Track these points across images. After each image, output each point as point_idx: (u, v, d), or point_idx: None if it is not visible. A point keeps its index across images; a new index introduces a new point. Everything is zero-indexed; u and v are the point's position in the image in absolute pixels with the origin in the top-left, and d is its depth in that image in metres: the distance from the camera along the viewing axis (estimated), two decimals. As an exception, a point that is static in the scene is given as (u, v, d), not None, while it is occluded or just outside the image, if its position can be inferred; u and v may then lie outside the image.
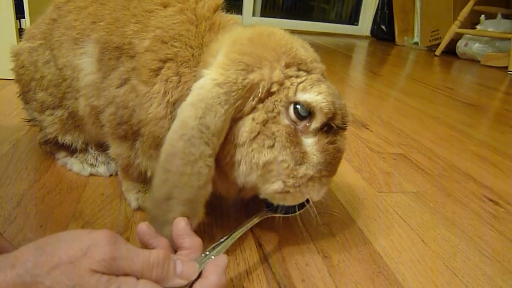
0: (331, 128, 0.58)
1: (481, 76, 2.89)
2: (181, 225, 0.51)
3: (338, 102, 0.58)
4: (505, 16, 3.40)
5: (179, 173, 0.52)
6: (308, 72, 0.59)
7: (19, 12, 1.47)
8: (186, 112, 0.53)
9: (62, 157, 0.90)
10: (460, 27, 3.45)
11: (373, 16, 4.62)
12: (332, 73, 2.37)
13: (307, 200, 0.67)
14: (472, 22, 3.51)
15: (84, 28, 0.72)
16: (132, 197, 0.76)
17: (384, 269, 0.66)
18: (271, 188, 0.59)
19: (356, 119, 1.49)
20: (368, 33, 4.80)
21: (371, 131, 1.36)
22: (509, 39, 3.04)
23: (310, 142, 0.58)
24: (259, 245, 0.69)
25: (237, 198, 0.71)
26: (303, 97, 0.56)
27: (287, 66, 0.57)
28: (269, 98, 0.56)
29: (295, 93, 0.56)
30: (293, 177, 0.57)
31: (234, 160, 0.58)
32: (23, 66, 0.83)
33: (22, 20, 1.51)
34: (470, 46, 3.49)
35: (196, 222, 0.56)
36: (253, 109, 0.56)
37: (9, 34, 1.46)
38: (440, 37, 3.75)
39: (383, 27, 4.45)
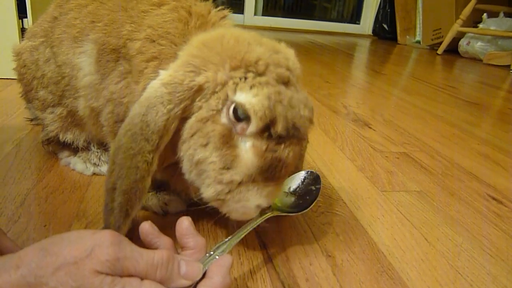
0: (272, 134, 0.54)
1: (483, 74, 2.88)
2: (185, 225, 0.51)
3: (285, 109, 0.54)
4: (508, 15, 3.39)
5: (121, 165, 0.54)
6: (259, 74, 0.55)
7: (21, 12, 1.48)
8: (134, 109, 0.55)
9: (65, 157, 0.90)
10: (462, 26, 3.44)
11: (375, 15, 4.61)
12: (334, 72, 2.37)
13: (314, 198, 0.67)
14: (474, 20, 3.50)
15: (84, 27, 0.73)
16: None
17: (388, 268, 0.66)
18: (206, 194, 0.57)
19: (358, 118, 1.48)
20: (370, 32, 4.79)
21: (373, 130, 1.36)
22: (511, 37, 3.03)
23: (246, 146, 0.54)
24: (262, 244, 0.69)
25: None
26: (240, 97, 0.53)
27: (233, 68, 0.55)
28: (213, 96, 0.56)
29: (234, 92, 0.54)
30: (219, 182, 0.55)
31: (180, 157, 0.59)
32: (24, 66, 0.83)
33: (25, 19, 1.52)
34: (472, 44, 3.48)
35: (133, 213, 0.56)
36: (199, 108, 0.57)
37: (11, 34, 1.46)
38: (442, 36, 3.74)
39: (385, 26, 4.44)
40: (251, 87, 0.54)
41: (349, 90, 1.97)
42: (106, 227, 0.57)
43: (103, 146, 0.88)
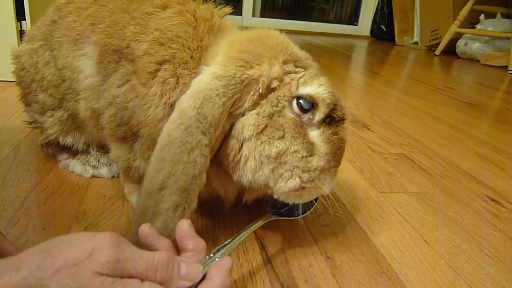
0: (333, 119, 0.60)
1: (481, 75, 2.89)
2: (184, 227, 0.51)
3: (338, 96, 0.61)
4: (505, 15, 3.40)
5: (175, 161, 0.53)
6: (305, 68, 0.61)
7: (20, 14, 1.48)
8: (185, 103, 0.54)
9: (64, 159, 0.90)
10: (459, 27, 3.45)
11: (372, 16, 4.63)
12: (332, 73, 2.37)
13: (312, 202, 0.67)
14: (471, 21, 3.52)
15: (84, 30, 0.73)
16: (135, 199, 0.76)
17: (387, 270, 0.66)
18: (287, 186, 0.59)
19: (357, 119, 1.49)
20: (367, 33, 4.81)
21: (372, 131, 1.36)
22: (508, 38, 3.04)
23: (315, 134, 0.59)
24: (262, 246, 0.69)
25: (236, 200, 0.71)
26: (305, 90, 0.58)
27: (285, 62, 0.59)
28: (272, 93, 0.58)
29: (297, 88, 0.58)
30: (307, 170, 0.58)
31: (240, 157, 0.58)
32: (23, 68, 0.83)
33: (23, 22, 1.52)
34: (470, 45, 3.49)
35: (189, 213, 0.55)
36: (256, 104, 0.58)
37: (10, 36, 1.46)
38: (440, 37, 3.75)
39: (382, 27, 4.45)
40: (311, 80, 0.59)
41: (347, 92, 1.98)
42: (134, 232, 0.54)
43: (102, 148, 0.88)
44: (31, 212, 0.73)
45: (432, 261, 0.70)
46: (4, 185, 0.80)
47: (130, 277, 0.42)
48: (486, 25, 3.35)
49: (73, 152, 0.88)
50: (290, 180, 0.58)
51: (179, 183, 0.53)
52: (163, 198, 0.54)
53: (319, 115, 0.59)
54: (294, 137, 0.57)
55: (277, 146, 0.57)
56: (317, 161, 0.58)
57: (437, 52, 3.66)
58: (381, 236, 0.75)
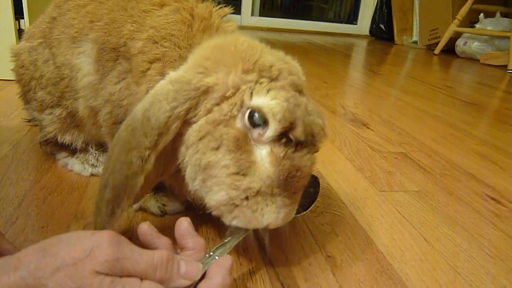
0: (290, 141, 0.52)
1: (480, 74, 2.89)
2: (184, 226, 0.51)
3: (303, 114, 0.53)
4: (504, 15, 3.40)
5: (115, 160, 0.53)
6: (273, 79, 0.54)
7: (18, 13, 1.47)
8: (138, 105, 0.54)
9: (62, 158, 0.89)
10: (459, 26, 3.45)
11: (371, 15, 4.62)
12: (332, 73, 2.37)
13: (313, 200, 0.67)
14: (471, 20, 3.52)
15: (83, 27, 0.72)
16: (133, 198, 0.76)
17: (387, 268, 0.66)
18: (214, 199, 0.54)
19: (356, 118, 1.48)
20: (367, 32, 4.81)
21: (372, 130, 1.36)
22: (508, 37, 3.04)
23: (263, 153, 0.52)
24: (262, 245, 0.69)
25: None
26: (257, 101, 0.52)
27: (245, 71, 0.54)
28: (225, 101, 0.54)
29: (250, 97, 0.53)
30: (235, 188, 0.52)
31: (184, 163, 0.56)
32: (23, 66, 0.83)
33: (21, 20, 1.51)
34: (469, 44, 3.49)
35: (119, 212, 0.53)
36: (209, 111, 0.54)
37: (8, 35, 1.45)
38: (439, 36, 3.75)
39: (382, 26, 4.45)
40: (268, 91, 0.52)
41: (347, 91, 1.98)
42: (94, 228, 0.55)
43: (101, 147, 0.88)
44: (30, 210, 0.72)
45: (432, 260, 0.69)
46: (2, 183, 0.80)
47: (130, 276, 0.42)
48: (486, 24, 3.35)
49: (72, 150, 0.88)
50: (217, 194, 0.53)
51: (114, 181, 0.53)
52: (105, 195, 0.53)
53: (269, 132, 0.51)
54: (229, 151, 0.52)
55: (208, 157, 0.53)
56: (249, 182, 0.51)
57: (437, 51, 3.66)
58: (381, 235, 0.75)
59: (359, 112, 1.57)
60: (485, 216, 0.86)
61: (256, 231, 0.58)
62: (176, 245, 0.52)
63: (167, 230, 0.68)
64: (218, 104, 0.54)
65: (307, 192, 0.72)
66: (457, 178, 1.04)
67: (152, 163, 0.53)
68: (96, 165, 0.87)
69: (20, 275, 0.38)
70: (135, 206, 0.75)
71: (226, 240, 0.55)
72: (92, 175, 0.87)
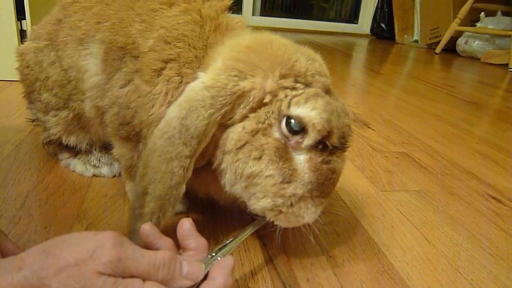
0: (326, 147, 0.55)
1: (481, 73, 2.88)
2: (186, 226, 0.51)
3: (337, 120, 0.55)
4: (505, 13, 3.40)
5: (155, 169, 0.53)
6: (307, 85, 0.55)
7: (20, 13, 1.47)
8: (172, 112, 0.54)
9: (65, 158, 0.90)
10: (460, 25, 3.44)
11: (372, 15, 4.62)
12: (333, 72, 2.35)
13: None
14: (472, 19, 3.51)
15: (89, 29, 0.72)
16: (136, 198, 0.76)
17: (389, 268, 0.66)
18: (259, 205, 0.56)
19: (357, 118, 1.49)
20: (368, 31, 4.80)
21: (373, 129, 1.36)
22: (509, 36, 3.04)
23: (302, 159, 0.55)
24: (263, 245, 0.69)
25: (235, 205, 0.71)
26: (296, 111, 0.53)
27: (282, 76, 0.54)
28: (262, 108, 0.54)
29: (288, 106, 0.54)
30: (281, 196, 0.55)
31: (221, 168, 0.57)
32: (28, 66, 0.83)
33: (23, 21, 1.51)
34: (470, 43, 3.48)
35: (164, 221, 0.55)
36: (245, 117, 0.55)
37: (10, 35, 1.45)
38: (440, 35, 3.75)
39: (383, 25, 4.45)
40: (306, 100, 0.53)
41: (348, 90, 1.98)
42: (130, 232, 0.56)
43: (105, 149, 0.88)
44: (32, 211, 0.73)
45: (433, 259, 0.70)
46: (5, 184, 0.80)
47: (132, 276, 0.42)
48: (487, 23, 3.34)
49: (75, 151, 0.88)
50: (262, 200, 0.56)
51: (157, 191, 0.53)
52: (145, 203, 0.54)
53: (308, 140, 0.53)
54: (272, 160, 0.53)
55: (250, 167, 0.54)
56: (293, 189, 0.54)
57: (438, 50, 3.66)
58: (383, 235, 0.75)
59: (360, 111, 1.57)
60: (486, 216, 0.86)
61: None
62: (178, 246, 0.52)
63: (169, 231, 0.68)
64: (254, 110, 0.55)
65: None
66: (458, 177, 1.04)
67: (191, 171, 0.54)
68: (98, 166, 0.88)
69: (24, 275, 0.38)
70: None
71: (228, 241, 0.55)
72: (94, 175, 0.87)
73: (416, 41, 4.20)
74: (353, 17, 5.01)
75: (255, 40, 0.59)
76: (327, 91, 0.58)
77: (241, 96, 0.54)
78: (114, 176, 0.88)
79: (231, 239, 0.56)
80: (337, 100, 0.59)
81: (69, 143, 0.85)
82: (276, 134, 0.54)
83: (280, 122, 0.54)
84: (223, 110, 0.53)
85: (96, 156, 0.88)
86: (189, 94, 0.54)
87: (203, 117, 0.52)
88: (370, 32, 4.71)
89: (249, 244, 0.69)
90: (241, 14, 4.38)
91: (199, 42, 0.63)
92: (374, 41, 4.41)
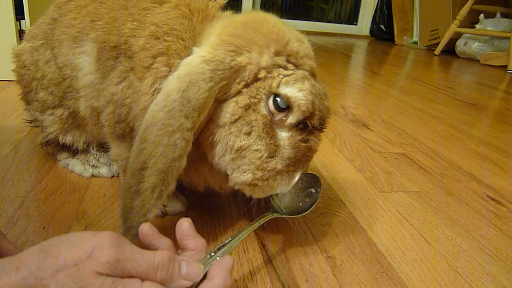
0: (307, 126, 0.59)
1: (480, 75, 2.89)
2: (185, 226, 0.51)
3: (319, 102, 0.59)
4: (504, 15, 3.41)
5: (156, 143, 0.53)
6: (297, 66, 0.59)
7: (19, 13, 1.47)
8: (171, 85, 0.54)
9: (63, 159, 0.90)
10: (459, 26, 3.45)
11: (372, 16, 4.62)
12: (332, 73, 2.37)
13: (314, 201, 0.67)
14: (471, 21, 3.52)
15: (83, 27, 0.72)
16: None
17: (388, 269, 0.66)
18: (240, 178, 0.59)
19: (357, 118, 1.49)
20: (367, 32, 4.81)
21: (372, 130, 1.36)
22: (508, 38, 3.04)
23: (283, 136, 0.59)
24: (262, 245, 0.69)
25: (236, 197, 0.71)
26: (284, 90, 0.56)
27: (277, 53, 0.57)
28: (255, 83, 0.57)
29: (278, 85, 0.57)
30: (262, 169, 0.58)
31: (213, 140, 0.59)
32: (24, 66, 0.83)
33: (22, 21, 1.51)
34: (469, 45, 3.49)
35: (166, 194, 0.55)
36: (239, 92, 0.57)
37: (9, 35, 1.45)
38: (439, 37, 3.75)
39: (382, 26, 4.45)
40: (294, 81, 0.57)
41: (347, 91, 1.98)
42: (125, 212, 0.55)
43: (102, 148, 0.88)
44: (31, 211, 0.72)
45: (432, 260, 0.69)
46: (3, 184, 0.80)
47: (131, 277, 0.42)
48: (486, 25, 3.35)
49: (73, 151, 0.88)
50: (244, 174, 0.59)
51: (158, 164, 0.53)
52: (143, 178, 0.54)
53: (291, 119, 0.58)
54: (260, 136, 0.57)
55: (241, 141, 0.57)
56: (275, 163, 0.58)
57: (437, 51, 3.66)
58: (382, 235, 0.75)
59: (359, 112, 1.57)
60: (485, 217, 0.86)
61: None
62: (177, 246, 0.52)
63: (168, 231, 0.68)
64: (248, 85, 0.57)
65: (308, 193, 0.72)
66: (457, 178, 1.04)
67: (191, 143, 0.55)
68: (97, 166, 0.87)
69: (22, 276, 0.38)
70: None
71: (227, 241, 0.55)
72: (93, 176, 0.87)
73: (416, 43, 4.20)
74: (352, 19, 5.01)
75: (250, 17, 0.60)
76: (313, 74, 0.61)
77: (237, 71, 0.56)
78: (113, 176, 0.88)
79: (230, 239, 0.56)
80: (320, 83, 0.62)
81: (65, 142, 0.85)
82: (264, 110, 0.57)
83: (268, 98, 0.57)
84: (220, 84, 0.55)
85: (95, 156, 0.88)
86: (187, 68, 0.54)
87: (203, 89, 0.53)
88: (370, 34, 4.72)
89: (248, 244, 0.69)
90: (241, 15, 4.38)
91: (187, 33, 0.64)
92: (373, 43, 4.41)
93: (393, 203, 0.87)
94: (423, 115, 1.64)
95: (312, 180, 0.74)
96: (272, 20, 0.60)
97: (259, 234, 0.72)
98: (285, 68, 0.58)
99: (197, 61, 0.54)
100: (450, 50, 3.69)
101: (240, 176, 0.59)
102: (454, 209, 0.88)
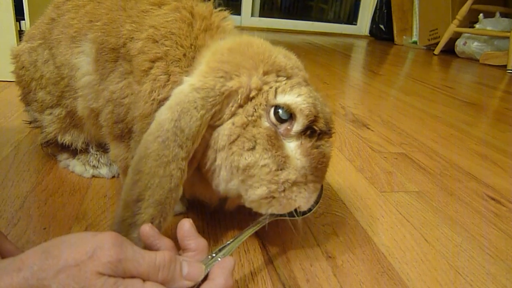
0: (315, 131, 0.57)
1: (480, 74, 2.89)
2: (186, 227, 0.51)
3: (321, 106, 0.58)
4: (504, 15, 3.41)
5: (151, 174, 0.52)
6: (288, 77, 0.58)
7: (19, 14, 1.47)
8: (163, 115, 0.54)
9: (64, 159, 0.90)
10: (458, 26, 3.45)
11: (371, 16, 4.63)
12: (332, 73, 2.37)
13: (316, 202, 0.67)
14: (470, 21, 3.52)
15: (81, 27, 0.73)
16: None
17: (388, 269, 0.66)
18: (256, 194, 0.57)
19: (356, 118, 1.49)
20: (366, 32, 4.81)
21: (372, 130, 1.36)
22: (507, 37, 3.04)
23: (293, 146, 0.56)
24: (263, 246, 0.69)
25: (222, 206, 0.71)
26: (283, 99, 0.55)
27: (265, 73, 0.57)
28: (249, 103, 0.56)
29: (275, 96, 0.56)
30: (274, 182, 0.55)
31: (215, 166, 0.58)
32: (23, 67, 0.83)
33: (22, 22, 1.51)
34: (469, 45, 3.49)
35: (165, 225, 0.54)
36: (233, 114, 0.56)
37: (9, 36, 1.45)
38: (439, 36, 3.76)
39: (381, 26, 4.46)
40: (291, 88, 0.56)
41: (347, 91, 1.98)
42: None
43: (101, 147, 0.88)
44: (32, 212, 0.72)
45: (433, 260, 0.70)
46: (4, 185, 0.80)
47: (132, 277, 0.42)
48: (485, 25, 3.35)
49: (73, 152, 0.88)
50: (258, 189, 0.56)
51: (155, 196, 0.53)
52: (139, 210, 0.53)
53: (297, 126, 0.55)
54: (265, 149, 0.55)
55: (245, 158, 0.55)
56: (286, 175, 0.55)
57: (436, 51, 3.67)
58: (382, 236, 0.75)
59: (359, 112, 1.58)
60: (485, 216, 0.86)
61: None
62: (178, 247, 0.52)
63: (169, 231, 0.68)
64: (242, 106, 0.56)
65: None
66: (457, 178, 1.04)
67: (187, 172, 0.54)
68: (97, 166, 0.87)
69: (23, 276, 0.38)
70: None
71: (228, 242, 0.55)
72: (93, 176, 0.87)
73: (415, 42, 4.21)
74: (352, 18, 5.01)
75: (235, 42, 0.61)
76: (307, 84, 0.61)
77: (229, 95, 0.55)
78: (113, 176, 0.88)
79: (231, 240, 0.56)
80: (316, 91, 0.61)
81: (64, 141, 0.85)
82: (266, 124, 0.56)
83: (268, 112, 0.56)
84: (213, 111, 0.55)
85: (95, 156, 0.88)
86: (178, 97, 0.54)
87: (196, 118, 0.53)
88: (369, 33, 4.72)
89: (249, 245, 0.69)
90: (240, 15, 4.39)
91: (187, 40, 0.64)
92: (373, 42, 4.41)
93: (393, 203, 0.88)
94: (423, 114, 1.64)
95: None
96: (257, 42, 0.61)
97: (260, 234, 0.72)
98: (277, 82, 0.57)
99: (187, 90, 0.54)
100: (449, 50, 3.69)
101: (255, 192, 0.57)
102: (454, 209, 0.88)
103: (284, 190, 0.56)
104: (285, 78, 0.58)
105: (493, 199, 0.95)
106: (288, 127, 0.56)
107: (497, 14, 3.38)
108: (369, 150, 1.18)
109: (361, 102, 1.76)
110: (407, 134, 1.36)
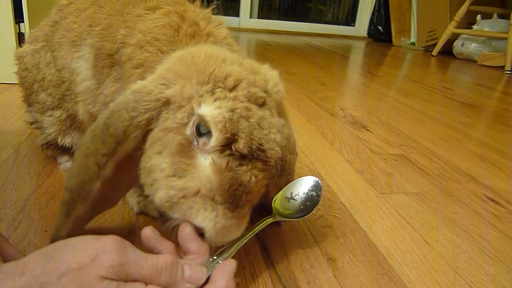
0: (234, 153, 0.50)
1: (478, 76, 2.90)
2: (187, 230, 0.51)
3: (251, 127, 0.50)
4: (501, 16, 3.42)
5: (75, 163, 0.56)
6: (229, 90, 0.52)
7: (18, 17, 1.47)
8: (104, 112, 0.56)
9: (64, 162, 0.90)
10: (456, 27, 3.46)
11: (369, 17, 4.64)
12: (330, 75, 2.38)
13: (315, 204, 0.67)
14: (468, 22, 3.53)
15: (82, 31, 0.73)
16: (134, 201, 0.76)
17: (389, 270, 0.66)
18: (156, 197, 0.53)
19: (355, 120, 1.49)
20: (365, 34, 4.82)
21: (371, 132, 1.37)
22: (505, 38, 3.05)
23: (207, 162, 0.50)
24: (264, 248, 0.69)
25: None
26: (201, 110, 0.50)
27: (199, 83, 0.53)
28: (180, 110, 0.53)
29: (199, 105, 0.51)
30: (172, 188, 0.51)
31: (139, 168, 0.57)
32: (26, 69, 0.83)
33: (21, 24, 1.51)
34: (466, 46, 3.50)
35: (73, 215, 0.55)
36: (166, 120, 0.54)
37: (8, 38, 1.45)
38: (437, 37, 3.77)
39: (380, 28, 4.47)
40: (215, 100, 0.51)
41: (346, 93, 1.98)
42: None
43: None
44: (32, 215, 0.72)
45: (433, 261, 0.70)
46: (4, 188, 0.80)
47: (134, 280, 0.42)
48: (483, 26, 3.37)
49: (73, 154, 0.88)
50: (159, 192, 0.52)
51: (71, 184, 0.55)
52: (64, 194, 0.56)
53: (212, 141, 0.49)
54: (170, 154, 0.51)
55: (151, 160, 0.53)
56: (184, 183, 0.50)
57: (434, 52, 3.68)
58: (382, 237, 0.76)
59: (358, 114, 1.58)
60: (485, 218, 0.87)
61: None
62: (180, 249, 0.52)
63: (170, 234, 0.68)
64: (174, 113, 0.54)
65: (309, 195, 0.72)
66: (456, 179, 1.05)
67: (110, 170, 0.54)
68: (97, 169, 0.87)
69: (26, 280, 0.38)
70: (136, 209, 0.76)
71: (229, 244, 0.55)
72: (93, 179, 0.87)
73: (413, 44, 4.22)
74: (350, 20, 5.03)
75: (187, 52, 0.58)
76: (258, 103, 0.53)
77: (166, 103, 0.54)
78: (114, 179, 0.88)
79: (232, 243, 0.56)
80: (273, 116, 0.55)
81: (64, 144, 0.85)
82: (187, 133, 0.51)
83: (194, 122, 0.51)
84: (147, 115, 0.53)
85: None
86: (119, 98, 0.55)
87: (123, 118, 0.53)
88: (367, 35, 4.74)
89: (249, 247, 0.69)
90: (239, 16, 4.39)
91: (167, 46, 0.63)
92: (371, 44, 4.43)
93: (393, 205, 0.88)
94: (421, 116, 1.64)
95: (313, 183, 0.74)
96: (203, 52, 0.56)
97: (260, 236, 0.72)
98: (212, 92, 0.52)
99: (128, 92, 0.55)
100: (447, 51, 3.70)
101: (156, 194, 0.53)
102: (453, 210, 0.88)
103: (184, 197, 0.51)
104: (223, 90, 0.52)
105: (492, 200, 0.95)
106: (206, 142, 0.50)
107: (495, 15, 3.39)
108: (368, 152, 1.18)
109: (360, 104, 1.76)
110: (406, 136, 1.36)
